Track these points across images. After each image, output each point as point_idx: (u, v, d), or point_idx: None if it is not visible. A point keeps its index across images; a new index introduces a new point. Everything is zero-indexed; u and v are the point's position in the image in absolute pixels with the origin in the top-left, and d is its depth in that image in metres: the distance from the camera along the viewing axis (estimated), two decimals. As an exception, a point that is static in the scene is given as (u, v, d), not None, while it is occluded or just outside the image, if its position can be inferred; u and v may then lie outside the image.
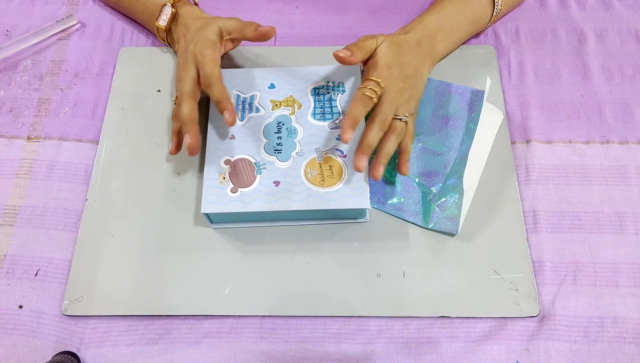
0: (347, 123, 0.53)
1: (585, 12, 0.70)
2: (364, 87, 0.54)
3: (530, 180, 0.59)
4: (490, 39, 0.68)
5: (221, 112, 0.55)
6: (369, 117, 0.55)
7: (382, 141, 0.54)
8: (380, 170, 0.53)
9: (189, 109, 0.54)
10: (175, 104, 0.58)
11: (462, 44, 0.66)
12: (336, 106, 0.58)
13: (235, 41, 0.62)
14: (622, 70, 0.65)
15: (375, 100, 0.54)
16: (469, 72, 0.65)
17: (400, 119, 0.55)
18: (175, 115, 0.58)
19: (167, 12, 0.61)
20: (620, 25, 0.68)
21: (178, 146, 0.58)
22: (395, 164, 0.58)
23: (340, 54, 0.55)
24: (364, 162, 0.52)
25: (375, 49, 0.56)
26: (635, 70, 0.65)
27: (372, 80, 0.54)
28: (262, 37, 0.57)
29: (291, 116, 0.58)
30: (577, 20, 0.69)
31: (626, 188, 0.58)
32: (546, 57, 0.66)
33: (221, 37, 0.58)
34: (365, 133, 0.54)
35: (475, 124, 0.58)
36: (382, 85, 0.54)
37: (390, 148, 0.54)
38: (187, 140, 0.53)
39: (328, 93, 0.59)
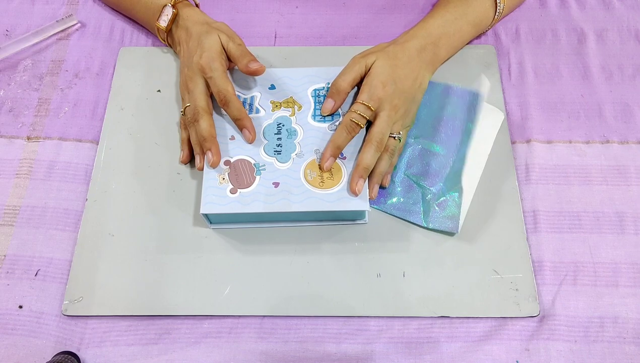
0: (328, 151, 0.54)
1: (585, 12, 0.69)
2: (353, 111, 0.54)
3: (530, 180, 0.59)
4: (490, 39, 0.68)
5: (240, 129, 0.56)
6: (366, 136, 0.55)
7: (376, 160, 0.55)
8: (376, 190, 0.56)
9: (208, 125, 0.55)
10: (183, 114, 0.58)
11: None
12: (336, 106, 0.58)
13: (231, 62, 0.60)
14: (622, 70, 0.65)
15: (363, 125, 0.54)
16: (469, 72, 0.65)
17: (394, 137, 0.55)
18: (184, 125, 0.59)
19: (168, 12, 0.61)
20: (620, 25, 0.68)
21: (189, 156, 0.59)
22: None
23: (327, 107, 0.56)
24: (361, 186, 0.53)
25: (369, 69, 0.56)
26: (635, 70, 0.65)
27: (361, 104, 0.54)
28: (250, 74, 0.57)
29: (291, 117, 0.58)
30: (577, 20, 0.69)
31: (626, 188, 0.58)
32: (546, 57, 0.66)
33: (224, 47, 0.58)
34: (362, 155, 0.53)
35: (474, 123, 0.58)
36: (373, 108, 0.54)
37: (384, 167, 0.55)
38: (211, 157, 0.54)
39: None
